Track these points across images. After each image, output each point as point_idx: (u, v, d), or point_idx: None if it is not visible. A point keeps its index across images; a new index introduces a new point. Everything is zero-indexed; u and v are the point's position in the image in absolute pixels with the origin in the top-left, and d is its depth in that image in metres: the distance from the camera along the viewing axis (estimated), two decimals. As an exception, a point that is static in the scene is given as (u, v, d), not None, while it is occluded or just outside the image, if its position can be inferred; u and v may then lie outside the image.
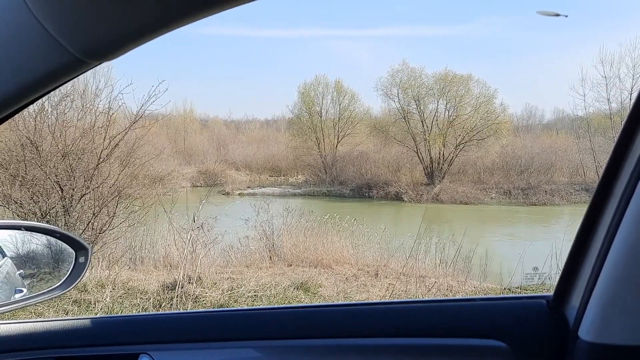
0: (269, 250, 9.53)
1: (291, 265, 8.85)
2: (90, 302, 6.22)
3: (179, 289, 6.58)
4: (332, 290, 7.41)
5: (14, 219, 7.27)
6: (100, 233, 8.35)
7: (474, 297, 1.38)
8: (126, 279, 7.26)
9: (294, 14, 48.16)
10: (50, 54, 0.70)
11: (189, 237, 7.76)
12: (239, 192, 27.88)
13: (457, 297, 6.95)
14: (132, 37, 0.70)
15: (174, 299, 6.41)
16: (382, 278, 8.19)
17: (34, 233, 1.57)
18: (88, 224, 8.17)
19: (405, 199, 25.53)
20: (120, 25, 0.68)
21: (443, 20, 43.98)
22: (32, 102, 0.81)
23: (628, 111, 0.99)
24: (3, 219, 6.15)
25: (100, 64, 0.77)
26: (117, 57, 0.75)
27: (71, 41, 0.68)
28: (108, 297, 6.38)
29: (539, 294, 1.26)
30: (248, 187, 29.73)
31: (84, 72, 0.77)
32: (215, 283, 7.12)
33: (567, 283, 1.13)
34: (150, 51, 48.08)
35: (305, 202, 22.21)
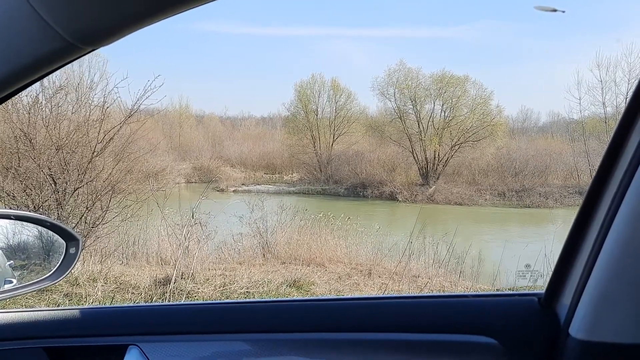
0: (263, 248, 9.52)
1: (284, 263, 8.85)
2: (81, 296, 6.20)
3: (171, 284, 6.57)
4: (325, 289, 7.42)
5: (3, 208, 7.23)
6: (93, 227, 8.32)
7: (465, 293, 1.38)
8: (118, 274, 7.24)
9: (292, 13, 48.10)
10: (43, 39, 0.69)
11: (182, 233, 7.75)
12: (233, 189, 27.80)
13: (449, 292, 6.97)
14: (125, 23, 0.69)
15: (166, 294, 6.39)
16: (375, 277, 8.20)
17: (24, 223, 1.55)
18: (81, 218, 8.14)
19: (399, 199, 25.55)
20: (114, 11, 0.67)
21: (441, 22, 44.07)
22: (25, 87, 0.81)
23: (624, 107, 0.98)
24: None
25: (93, 50, 0.76)
26: (110, 43, 0.75)
27: (64, 26, 0.68)
28: (99, 291, 6.36)
29: (531, 291, 1.26)
30: (243, 184, 29.66)
31: (77, 57, 0.77)
32: (208, 279, 7.11)
33: (559, 280, 1.12)
34: (147, 46, 47.99)
35: (300, 200, 22.17)
